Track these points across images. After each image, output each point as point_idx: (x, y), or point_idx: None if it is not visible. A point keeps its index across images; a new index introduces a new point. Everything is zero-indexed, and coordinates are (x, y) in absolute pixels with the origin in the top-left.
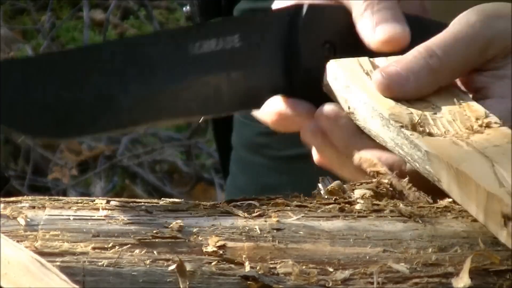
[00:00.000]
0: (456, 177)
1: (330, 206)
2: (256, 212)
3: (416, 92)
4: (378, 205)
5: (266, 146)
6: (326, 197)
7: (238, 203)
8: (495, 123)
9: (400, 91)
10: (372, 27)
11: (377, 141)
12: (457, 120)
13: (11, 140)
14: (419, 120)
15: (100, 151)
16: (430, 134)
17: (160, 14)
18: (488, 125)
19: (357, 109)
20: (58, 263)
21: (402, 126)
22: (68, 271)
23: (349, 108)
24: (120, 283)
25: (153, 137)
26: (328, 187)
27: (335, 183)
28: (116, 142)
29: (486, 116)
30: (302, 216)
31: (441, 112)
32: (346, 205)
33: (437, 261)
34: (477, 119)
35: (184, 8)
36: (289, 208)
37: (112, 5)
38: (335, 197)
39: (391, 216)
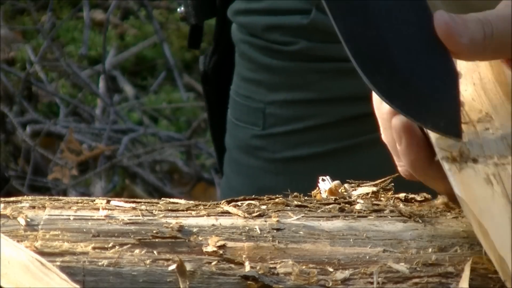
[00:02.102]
0: (479, 227)
1: (330, 206)
2: (256, 212)
3: (469, 48)
4: (378, 205)
5: (262, 148)
6: (326, 197)
7: (238, 203)
8: None
9: (456, 40)
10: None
11: None
12: (506, 138)
13: (11, 140)
14: (468, 144)
15: (100, 151)
16: (474, 160)
17: (160, 14)
18: None
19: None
20: (58, 263)
21: (444, 157)
22: (68, 271)
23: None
24: (120, 283)
25: (153, 137)
26: (328, 187)
27: (335, 183)
28: (116, 142)
29: None
30: (302, 216)
31: (494, 126)
32: (346, 205)
33: (437, 261)
34: None
35: (178, 9)
36: (289, 208)
37: (112, 5)
38: (335, 197)
39: (391, 216)
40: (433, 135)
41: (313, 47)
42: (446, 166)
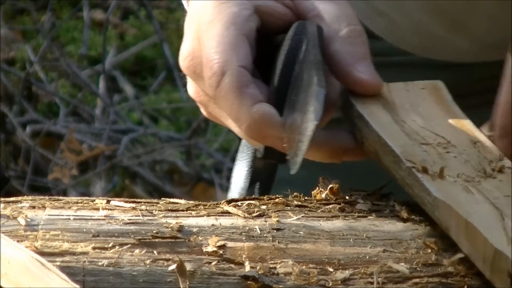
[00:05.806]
0: (465, 228)
1: (330, 206)
2: (256, 212)
3: None
4: (378, 205)
5: None
6: (326, 197)
7: (238, 203)
8: (508, 167)
9: None
10: (354, 60)
11: (389, 173)
12: (470, 161)
13: (11, 140)
14: (432, 162)
15: (100, 151)
16: (441, 177)
17: (160, 14)
18: (500, 170)
19: (368, 141)
20: (58, 263)
21: (414, 167)
22: (68, 271)
23: (361, 137)
24: (120, 283)
25: (153, 137)
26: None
27: (336, 182)
28: (116, 142)
29: (500, 159)
30: (302, 216)
31: (455, 150)
32: (346, 205)
33: (437, 261)
34: (490, 161)
35: None
36: (289, 208)
37: (112, 5)
38: (335, 197)
39: (391, 216)
40: (396, 147)
41: None
42: (418, 174)
